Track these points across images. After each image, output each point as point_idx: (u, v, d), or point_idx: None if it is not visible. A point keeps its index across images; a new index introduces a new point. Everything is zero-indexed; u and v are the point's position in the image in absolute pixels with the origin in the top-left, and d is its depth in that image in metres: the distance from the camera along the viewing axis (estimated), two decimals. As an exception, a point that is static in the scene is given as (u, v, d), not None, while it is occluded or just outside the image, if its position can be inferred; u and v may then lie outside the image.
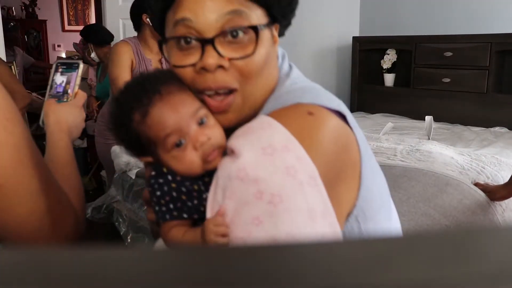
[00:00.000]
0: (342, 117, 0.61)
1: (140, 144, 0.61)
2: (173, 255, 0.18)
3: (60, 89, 0.86)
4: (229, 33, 0.59)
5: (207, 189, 0.58)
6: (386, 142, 2.32)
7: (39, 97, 4.51)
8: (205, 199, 0.58)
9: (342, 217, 0.59)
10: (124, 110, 0.60)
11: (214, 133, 0.59)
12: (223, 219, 0.53)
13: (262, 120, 0.57)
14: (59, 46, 6.65)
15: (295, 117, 0.57)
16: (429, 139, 2.46)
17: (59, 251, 0.18)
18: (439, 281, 0.15)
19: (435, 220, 1.42)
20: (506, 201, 1.64)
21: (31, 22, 6.37)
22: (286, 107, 0.59)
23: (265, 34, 0.61)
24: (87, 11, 6.86)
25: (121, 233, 2.15)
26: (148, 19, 2.14)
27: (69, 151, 0.78)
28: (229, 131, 0.61)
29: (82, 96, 0.88)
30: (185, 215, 0.59)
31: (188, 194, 0.59)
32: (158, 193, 0.59)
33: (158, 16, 0.64)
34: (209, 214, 0.55)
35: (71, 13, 6.80)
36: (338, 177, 0.58)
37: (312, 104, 0.59)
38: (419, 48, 3.26)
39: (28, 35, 6.34)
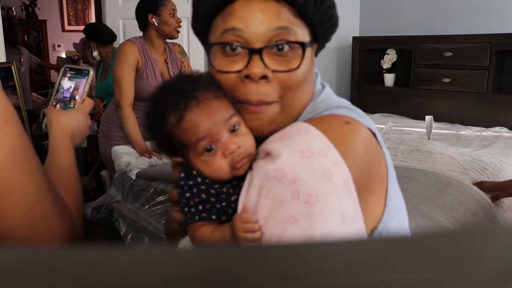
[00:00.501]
0: (372, 134, 0.63)
1: (172, 145, 0.62)
2: (172, 255, 0.18)
3: (67, 95, 0.86)
4: (275, 46, 0.61)
5: (235, 192, 0.60)
6: (386, 142, 2.31)
7: (39, 97, 4.52)
8: (233, 201, 0.60)
9: (369, 229, 0.61)
10: (160, 112, 0.61)
11: (244, 141, 0.61)
12: (249, 216, 0.55)
13: (299, 126, 0.60)
14: (59, 46, 6.65)
15: (332, 125, 0.60)
16: (429, 139, 2.46)
17: (59, 251, 0.18)
18: (439, 281, 0.15)
19: (436, 221, 1.42)
20: (507, 202, 1.63)
21: (31, 22, 6.37)
22: (322, 116, 0.62)
23: (309, 51, 0.64)
24: (87, 11, 6.86)
25: (121, 233, 2.15)
26: (153, 19, 2.14)
27: (70, 156, 0.78)
28: (258, 140, 0.63)
29: (89, 104, 0.87)
30: (213, 217, 0.60)
31: (216, 196, 0.60)
32: (188, 194, 0.61)
33: (204, 21, 0.66)
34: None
35: (71, 13, 6.80)
36: (368, 187, 0.60)
37: (347, 116, 0.62)
38: (419, 48, 3.26)
39: (28, 35, 6.34)
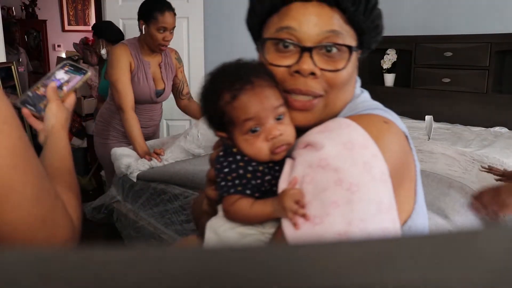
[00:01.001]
0: (405, 137, 0.69)
1: (220, 120, 0.68)
2: (172, 255, 0.18)
3: (57, 84, 0.86)
4: (324, 47, 0.67)
5: (270, 172, 0.67)
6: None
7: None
8: (267, 181, 0.66)
9: (401, 221, 0.65)
10: (217, 88, 0.68)
11: (286, 130, 0.67)
12: (298, 189, 0.60)
13: (340, 120, 0.65)
14: (59, 46, 6.65)
15: (371, 122, 0.65)
16: (429, 139, 2.46)
17: (59, 251, 0.18)
18: (438, 281, 0.15)
19: (438, 224, 1.42)
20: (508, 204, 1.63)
21: (31, 22, 6.37)
22: (363, 114, 0.68)
23: (354, 55, 0.70)
24: (87, 11, 6.86)
25: (121, 233, 2.15)
26: (143, 26, 2.14)
27: (69, 155, 0.77)
28: (298, 132, 0.69)
29: (73, 100, 0.87)
30: (248, 192, 0.66)
31: (253, 173, 0.66)
32: (226, 170, 0.67)
33: (259, 19, 0.73)
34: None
35: (71, 13, 6.80)
36: (400, 184, 0.64)
37: (385, 117, 0.68)
38: (419, 48, 3.26)
39: (28, 35, 6.34)
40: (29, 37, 6.37)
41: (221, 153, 0.69)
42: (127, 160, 2.05)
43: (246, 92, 0.65)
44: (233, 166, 0.67)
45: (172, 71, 2.35)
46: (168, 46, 2.25)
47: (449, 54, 3.10)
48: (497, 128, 2.90)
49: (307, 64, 0.66)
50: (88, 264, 0.17)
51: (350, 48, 0.68)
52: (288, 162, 0.64)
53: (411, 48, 3.29)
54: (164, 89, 2.31)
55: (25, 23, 6.21)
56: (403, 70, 3.42)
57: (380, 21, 0.73)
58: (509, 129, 2.88)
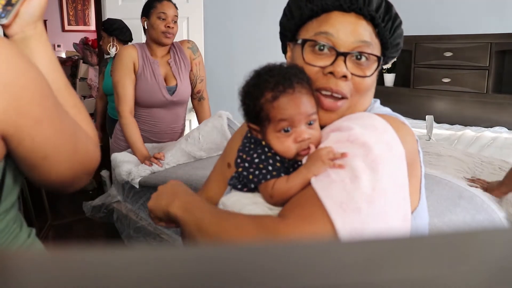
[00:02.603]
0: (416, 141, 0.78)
1: (257, 115, 0.75)
2: (172, 255, 0.18)
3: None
4: (355, 55, 0.76)
5: (293, 165, 0.74)
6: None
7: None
8: (290, 172, 0.73)
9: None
10: (261, 86, 0.74)
11: (314, 135, 0.74)
12: (330, 147, 0.68)
13: (362, 113, 0.75)
14: (59, 46, 6.65)
15: (390, 119, 0.73)
16: (429, 138, 2.46)
17: (59, 252, 0.18)
18: (438, 281, 0.15)
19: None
20: None
21: (31, 22, 6.36)
22: (382, 114, 0.75)
23: (379, 65, 0.79)
24: (87, 11, 6.86)
25: (121, 233, 2.15)
26: (145, 22, 2.13)
27: (58, 62, 0.74)
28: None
29: None
30: (282, 174, 0.73)
31: (281, 163, 0.74)
32: (257, 160, 0.74)
33: (297, 22, 0.80)
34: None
35: (71, 13, 6.80)
36: (410, 174, 0.70)
37: (402, 120, 0.76)
38: (419, 48, 3.26)
39: (28, 35, 6.33)
40: (29, 37, 6.36)
41: (252, 146, 0.76)
42: (128, 166, 2.00)
43: (286, 96, 0.72)
44: (263, 156, 0.74)
45: (186, 65, 2.27)
46: (178, 40, 2.21)
47: (449, 54, 3.10)
48: (497, 128, 2.90)
49: (340, 67, 0.74)
50: (88, 264, 0.17)
51: (378, 58, 0.77)
52: (312, 147, 0.73)
53: (411, 48, 3.29)
54: (176, 85, 2.21)
55: (25, 23, 6.19)
56: (403, 70, 3.42)
57: (400, 40, 0.82)
58: (509, 129, 2.88)
